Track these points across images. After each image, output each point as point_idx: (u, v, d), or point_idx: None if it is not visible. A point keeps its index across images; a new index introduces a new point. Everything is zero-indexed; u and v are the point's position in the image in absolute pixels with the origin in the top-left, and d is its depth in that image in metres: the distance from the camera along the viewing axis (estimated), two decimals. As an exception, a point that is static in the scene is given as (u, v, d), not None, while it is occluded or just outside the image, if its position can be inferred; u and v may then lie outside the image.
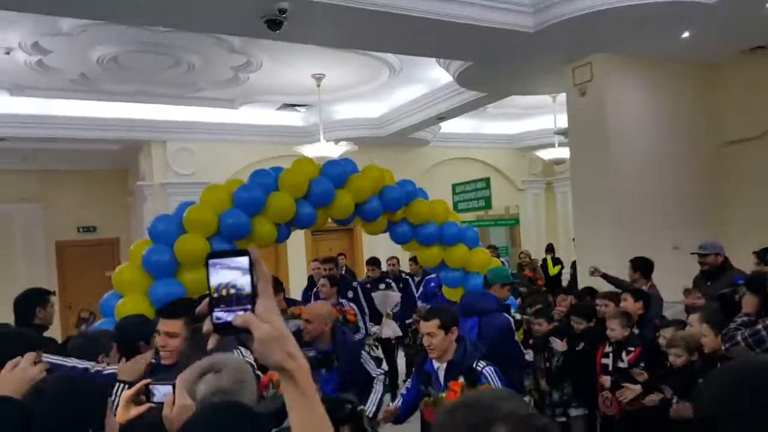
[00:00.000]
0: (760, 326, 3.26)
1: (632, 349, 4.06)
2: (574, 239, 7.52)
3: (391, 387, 6.09)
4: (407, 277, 7.92)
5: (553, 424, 1.04)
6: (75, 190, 11.12)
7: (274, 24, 4.94)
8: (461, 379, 3.13)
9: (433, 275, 7.10)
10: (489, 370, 3.18)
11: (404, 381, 5.83)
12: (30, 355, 1.85)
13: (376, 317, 6.91)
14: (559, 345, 4.45)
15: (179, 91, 8.39)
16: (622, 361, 4.06)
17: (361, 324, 5.91)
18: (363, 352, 3.96)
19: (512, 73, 7.23)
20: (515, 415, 0.97)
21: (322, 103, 8.55)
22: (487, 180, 9.21)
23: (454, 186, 9.70)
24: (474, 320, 4.23)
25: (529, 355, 4.56)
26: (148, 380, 1.80)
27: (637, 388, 3.83)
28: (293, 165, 5.23)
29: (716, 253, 5.32)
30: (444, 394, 2.98)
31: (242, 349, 2.98)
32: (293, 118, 10.22)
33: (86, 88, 7.96)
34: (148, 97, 8.60)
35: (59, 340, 4.30)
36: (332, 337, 3.76)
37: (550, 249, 11.10)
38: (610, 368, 4.10)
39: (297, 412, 0.98)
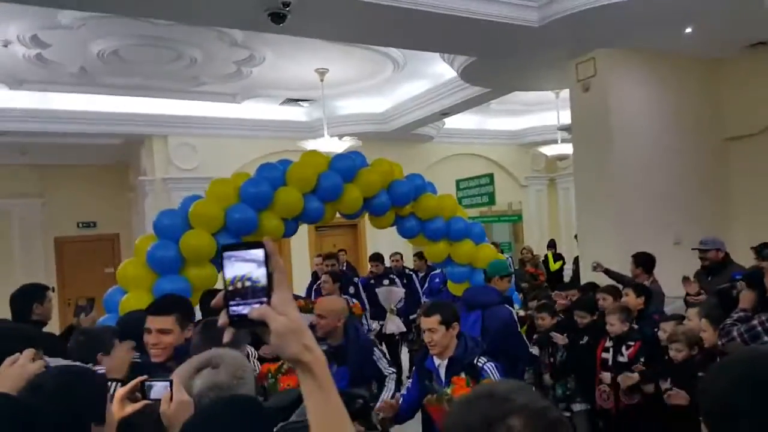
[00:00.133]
0: (755, 322, 3.26)
1: (632, 343, 4.08)
2: (576, 236, 7.51)
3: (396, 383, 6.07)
4: (411, 272, 7.91)
5: (564, 417, 1.03)
6: (75, 185, 11.08)
7: (277, 17, 4.91)
8: (463, 376, 3.10)
9: (437, 271, 7.09)
10: (490, 366, 3.16)
11: (408, 377, 5.81)
12: (29, 352, 1.83)
13: (378, 313, 6.90)
14: (559, 339, 4.49)
15: (181, 85, 8.35)
16: (622, 355, 4.08)
17: (363, 320, 5.90)
18: (375, 349, 3.92)
19: (516, 69, 7.22)
20: (529, 408, 0.97)
21: (325, 98, 8.52)
22: (491, 176, 9.20)
23: (458, 182, 9.70)
24: (477, 313, 4.27)
25: (534, 350, 4.56)
26: (144, 377, 1.78)
27: (635, 376, 3.87)
28: (302, 158, 5.19)
29: (717, 248, 5.32)
30: (449, 389, 2.96)
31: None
32: (296, 113, 10.19)
33: (86, 82, 7.90)
34: (149, 92, 8.56)
35: (58, 336, 4.27)
36: (345, 333, 3.73)
37: (551, 245, 11.09)
38: (610, 363, 4.11)
39: (315, 403, 0.98)
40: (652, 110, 6.69)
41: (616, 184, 6.47)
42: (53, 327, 5.04)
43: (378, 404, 3.39)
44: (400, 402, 3.40)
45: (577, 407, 4.47)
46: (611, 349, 4.14)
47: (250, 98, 9.28)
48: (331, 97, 9.03)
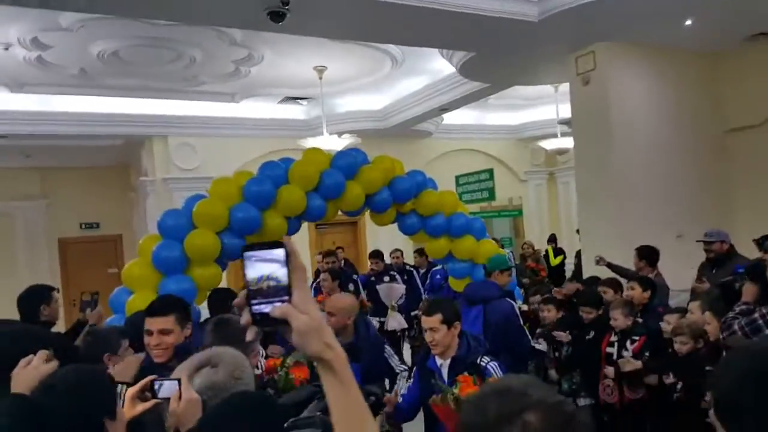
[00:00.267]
0: (756, 315, 3.23)
1: (637, 338, 4.05)
2: (578, 230, 7.51)
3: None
4: (411, 269, 7.92)
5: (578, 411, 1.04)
6: (77, 186, 11.12)
7: (277, 16, 4.92)
8: (467, 375, 3.05)
9: (438, 267, 7.09)
10: (494, 365, 3.11)
11: (410, 372, 5.81)
12: (42, 353, 1.84)
13: (380, 310, 6.92)
14: (563, 337, 4.46)
15: (180, 85, 8.35)
16: (627, 350, 4.05)
17: (364, 317, 5.90)
18: (386, 346, 3.91)
19: (515, 64, 7.21)
20: (545, 403, 0.97)
21: (324, 95, 8.52)
22: (490, 171, 9.19)
23: (457, 177, 9.68)
24: (479, 308, 4.25)
25: (541, 345, 4.54)
26: (154, 376, 1.79)
27: (638, 363, 3.85)
28: (304, 156, 5.19)
29: (722, 240, 5.31)
30: (456, 388, 2.93)
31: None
32: (295, 112, 10.19)
33: (87, 83, 7.92)
34: (149, 92, 8.56)
35: (65, 336, 4.27)
36: (355, 331, 3.71)
37: (551, 239, 11.09)
38: (615, 357, 4.09)
39: (336, 399, 1.00)
40: (652, 103, 6.69)
41: (617, 177, 6.47)
42: (59, 327, 5.05)
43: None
44: (399, 398, 3.32)
45: (582, 402, 4.46)
46: (616, 344, 4.12)
47: (249, 97, 9.28)
48: (329, 95, 9.03)
